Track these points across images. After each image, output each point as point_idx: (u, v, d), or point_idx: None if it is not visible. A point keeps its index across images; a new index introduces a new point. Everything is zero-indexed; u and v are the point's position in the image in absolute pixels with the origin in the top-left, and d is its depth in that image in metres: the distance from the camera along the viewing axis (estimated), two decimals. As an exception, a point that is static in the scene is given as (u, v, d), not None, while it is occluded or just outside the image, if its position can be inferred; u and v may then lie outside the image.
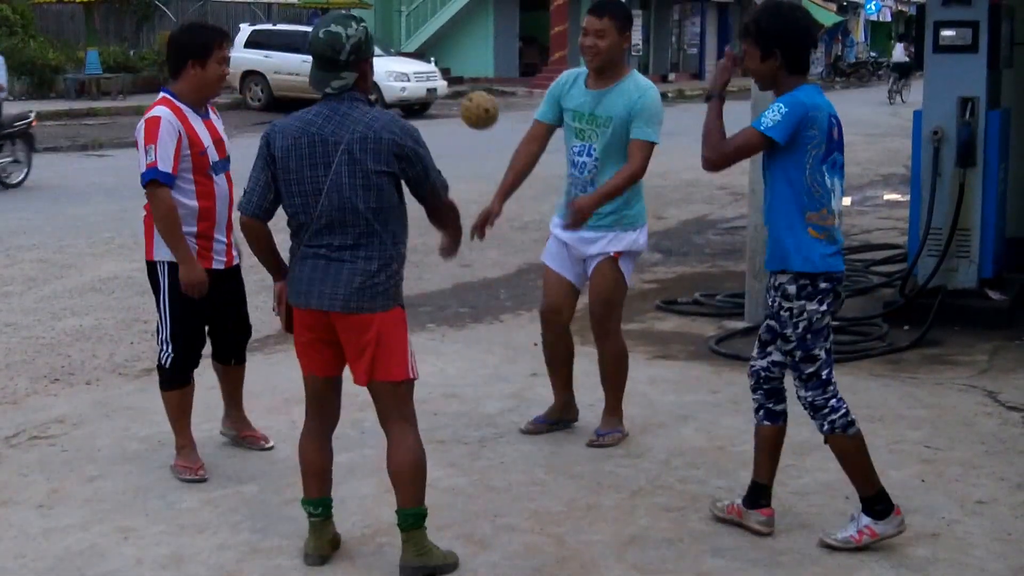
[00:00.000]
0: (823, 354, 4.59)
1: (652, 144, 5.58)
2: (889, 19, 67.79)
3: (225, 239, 5.54)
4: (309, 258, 4.37)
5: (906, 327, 8.00)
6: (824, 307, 4.58)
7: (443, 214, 4.54)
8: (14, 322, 8.52)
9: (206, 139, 5.39)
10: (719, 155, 4.54)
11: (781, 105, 4.47)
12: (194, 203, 5.34)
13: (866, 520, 4.68)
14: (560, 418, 6.12)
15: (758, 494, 4.86)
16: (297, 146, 4.33)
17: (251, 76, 29.44)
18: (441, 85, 29.78)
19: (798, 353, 4.61)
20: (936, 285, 8.08)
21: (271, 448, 5.82)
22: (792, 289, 4.55)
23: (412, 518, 4.46)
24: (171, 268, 5.35)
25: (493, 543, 4.71)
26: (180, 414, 5.56)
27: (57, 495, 5.27)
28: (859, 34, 65.00)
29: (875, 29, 67.95)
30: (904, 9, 69.53)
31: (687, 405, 6.51)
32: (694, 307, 8.89)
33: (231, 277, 5.64)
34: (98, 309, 8.60)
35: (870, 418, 6.20)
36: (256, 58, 29.22)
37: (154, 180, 5.21)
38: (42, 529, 4.91)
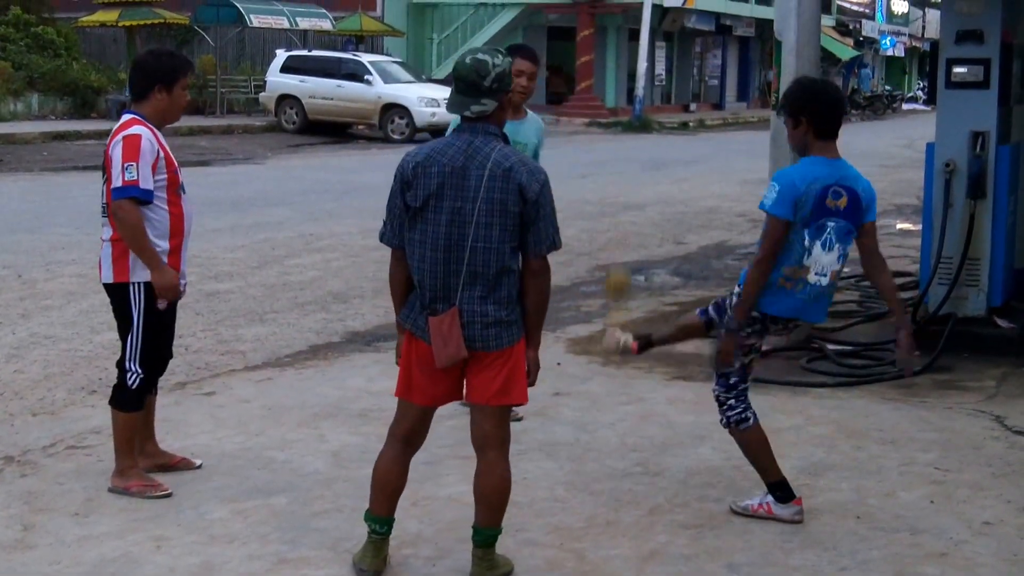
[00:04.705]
0: (736, 364, 5.22)
1: None
2: (903, 54, 67.96)
3: (185, 264, 5.56)
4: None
5: (917, 353, 8.11)
6: (748, 330, 5.19)
7: (534, 274, 4.41)
8: (53, 335, 8.63)
9: (175, 160, 5.47)
10: (764, 260, 5.07)
11: (775, 184, 5.07)
12: (167, 219, 5.37)
13: (769, 498, 5.28)
14: None
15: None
16: (427, 174, 4.33)
17: (286, 100, 30.20)
18: (469, 113, 30.15)
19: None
20: (947, 313, 8.17)
21: (200, 467, 5.80)
22: (734, 300, 5.19)
23: (491, 537, 4.61)
24: (146, 288, 5.37)
25: (516, 557, 4.78)
26: (132, 435, 5.53)
27: (93, 504, 5.35)
28: (882, 67, 65.23)
29: (889, 64, 68.08)
30: (918, 45, 69.66)
31: (704, 425, 6.56)
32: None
33: (175, 303, 5.64)
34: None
35: (882, 440, 6.34)
36: (292, 82, 29.99)
37: (134, 197, 5.22)
38: (77, 537, 4.99)
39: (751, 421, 5.26)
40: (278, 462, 5.95)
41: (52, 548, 4.89)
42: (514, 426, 6.49)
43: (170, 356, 5.79)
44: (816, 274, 5.08)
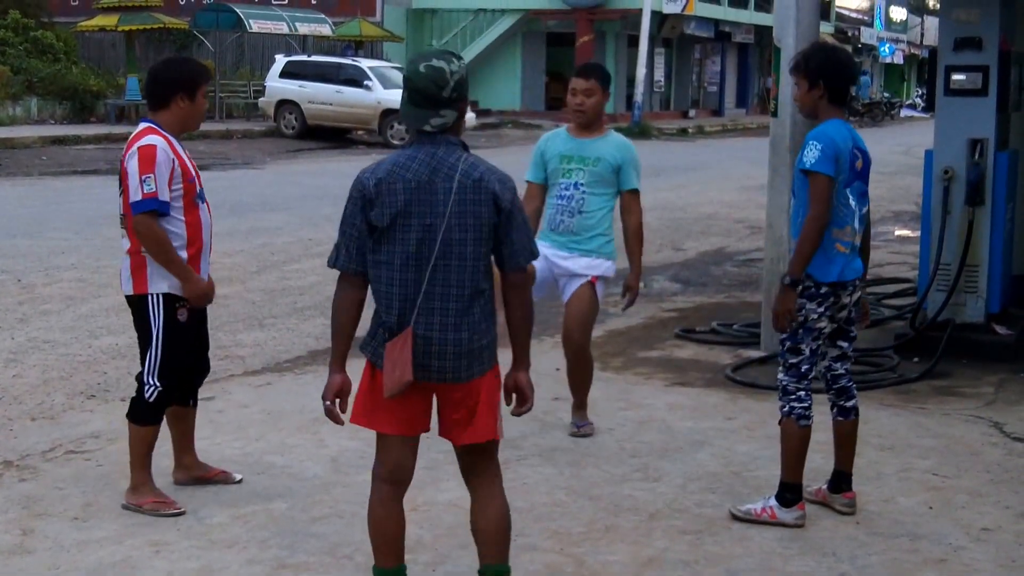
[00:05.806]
0: (807, 351, 5.17)
1: (639, 192, 6.45)
2: (901, 61, 68.17)
3: (208, 274, 5.50)
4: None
5: (916, 359, 8.12)
6: (822, 309, 5.13)
7: (516, 288, 4.10)
8: (52, 339, 8.63)
9: (191, 168, 5.40)
10: (820, 217, 5.04)
11: (815, 142, 5.03)
12: (184, 230, 5.30)
13: (773, 502, 5.25)
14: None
15: (840, 480, 5.43)
16: (391, 191, 3.98)
17: (286, 105, 30.29)
18: (470, 117, 30.29)
19: (787, 343, 5.21)
20: (945, 319, 8.20)
21: (240, 481, 5.70)
22: (798, 288, 5.10)
23: (500, 574, 4.26)
24: (166, 300, 5.32)
25: (515, 562, 4.70)
26: (147, 450, 5.40)
27: (91, 508, 5.35)
28: (880, 74, 65.43)
29: (888, 71, 68.27)
30: (916, 52, 69.87)
31: (703, 431, 6.60)
32: (711, 336, 8.98)
33: (204, 314, 5.61)
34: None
35: (880, 447, 6.35)
36: (291, 88, 30.10)
37: (153, 211, 5.15)
38: (76, 541, 4.99)
39: (810, 420, 5.22)
40: (277, 467, 5.95)
41: (51, 553, 4.89)
42: (513, 431, 6.53)
43: (207, 369, 5.74)
44: (858, 234, 5.22)
